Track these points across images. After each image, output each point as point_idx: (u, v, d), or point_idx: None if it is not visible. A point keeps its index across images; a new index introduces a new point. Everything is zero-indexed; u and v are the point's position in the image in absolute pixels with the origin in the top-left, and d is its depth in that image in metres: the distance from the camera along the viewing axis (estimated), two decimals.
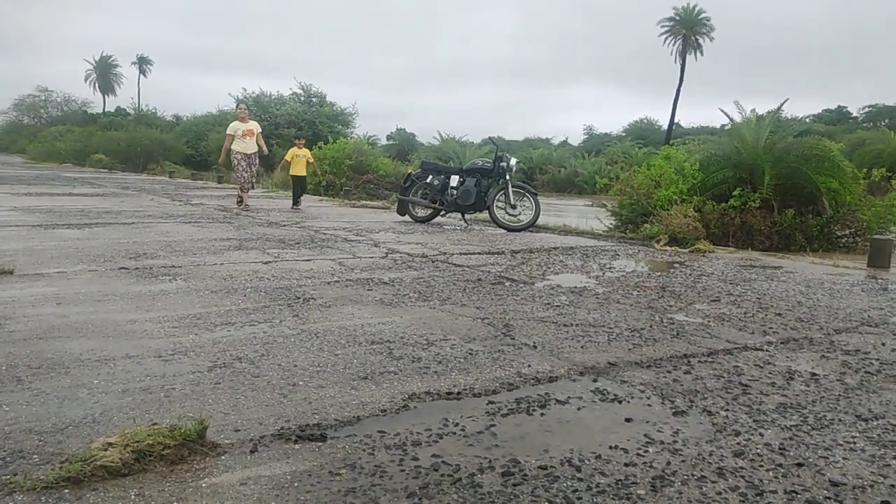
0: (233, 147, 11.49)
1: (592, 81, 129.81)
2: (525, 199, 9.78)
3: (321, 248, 6.69)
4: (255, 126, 11.74)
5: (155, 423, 2.04)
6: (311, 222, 9.59)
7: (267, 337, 3.28)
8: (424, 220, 10.27)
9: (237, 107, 14.01)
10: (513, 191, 9.61)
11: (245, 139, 11.44)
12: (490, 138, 11.52)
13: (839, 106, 60.36)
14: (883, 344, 3.57)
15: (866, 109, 57.99)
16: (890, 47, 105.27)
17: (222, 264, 5.44)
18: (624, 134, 59.24)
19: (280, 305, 4.00)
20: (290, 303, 4.09)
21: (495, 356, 3.09)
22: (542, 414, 2.40)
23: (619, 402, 2.55)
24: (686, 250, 7.70)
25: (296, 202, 12.50)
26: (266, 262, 5.63)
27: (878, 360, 3.24)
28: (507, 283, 5.09)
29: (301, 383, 2.61)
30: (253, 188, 12.06)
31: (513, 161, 9.81)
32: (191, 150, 39.26)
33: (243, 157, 11.52)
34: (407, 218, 10.47)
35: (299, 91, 32.40)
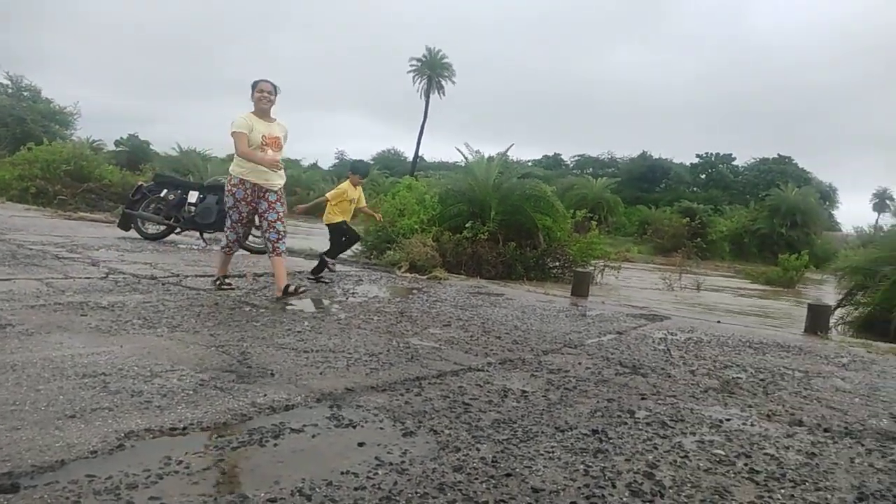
0: (235, 168, 5.54)
1: (349, 110, 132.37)
2: None
3: (25, 266, 5.79)
4: (283, 129, 5.75)
5: None
6: (13, 235, 8.25)
7: None
8: (156, 238, 9.48)
9: (255, 87, 5.55)
10: None
11: (267, 152, 5.53)
12: None
13: (555, 153, 69.57)
14: (580, 363, 4.15)
15: (576, 158, 67.61)
16: (596, 106, 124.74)
17: None
18: (373, 162, 61.34)
19: None
20: None
21: (228, 386, 2.95)
22: (275, 444, 2.34)
23: (354, 427, 2.60)
24: (424, 277, 8.17)
25: (323, 267, 7.30)
26: None
27: (575, 377, 3.75)
28: (248, 308, 4.91)
29: None
30: (279, 250, 5.62)
31: None
32: None
33: (248, 197, 5.58)
34: (134, 234, 9.56)
35: (6, 82, 27.86)
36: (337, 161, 69.05)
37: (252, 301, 5.24)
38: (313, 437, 2.46)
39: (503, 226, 11.33)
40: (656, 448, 2.64)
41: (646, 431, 2.85)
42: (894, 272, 9.21)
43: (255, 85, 5.57)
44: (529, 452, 2.45)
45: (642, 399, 3.41)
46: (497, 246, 10.94)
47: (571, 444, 2.60)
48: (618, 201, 41.03)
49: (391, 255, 9.40)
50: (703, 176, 63.18)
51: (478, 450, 2.44)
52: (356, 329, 4.51)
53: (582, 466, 2.36)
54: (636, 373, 4.02)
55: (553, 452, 2.48)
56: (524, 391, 3.34)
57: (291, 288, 5.46)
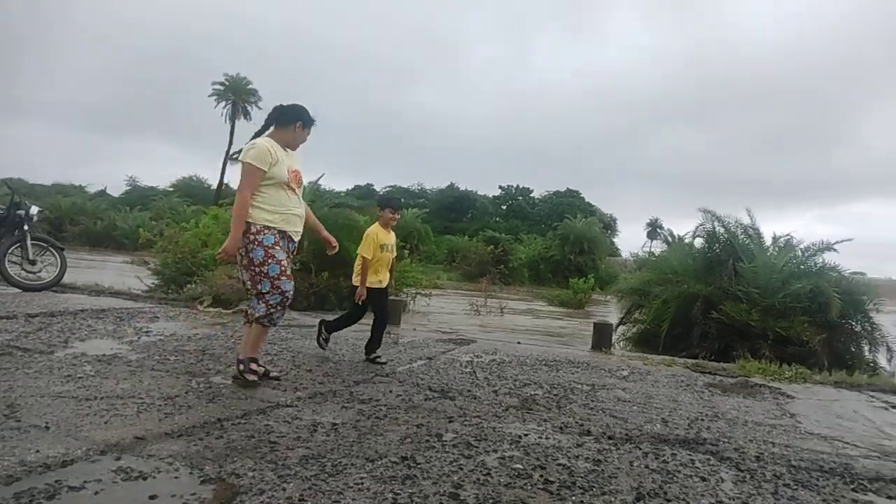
0: (261, 214, 4.03)
1: (142, 133, 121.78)
2: (48, 253, 8.53)
3: None
4: (298, 159, 4.39)
5: None
6: None
7: None
8: None
9: (296, 120, 4.19)
10: (32, 244, 8.28)
11: (294, 193, 4.21)
12: (5, 180, 9.75)
13: (367, 183, 70.37)
14: (391, 391, 4.18)
15: (387, 188, 68.78)
16: (405, 140, 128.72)
17: None
18: (172, 189, 57.64)
19: None
20: None
21: None
22: None
23: (145, 478, 2.38)
24: (230, 311, 7.76)
25: (371, 352, 5.26)
26: None
27: (386, 405, 3.77)
28: (18, 354, 4.32)
29: None
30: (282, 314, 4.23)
31: (34, 209, 8.48)
32: None
33: (280, 242, 4.11)
34: None
35: None
36: (129, 188, 63.69)
37: (24, 345, 4.62)
38: (96, 493, 2.21)
39: (316, 255, 11.15)
40: (461, 469, 2.74)
41: (452, 453, 2.95)
42: (664, 292, 10.47)
43: (297, 116, 4.17)
44: (338, 486, 2.42)
45: (450, 422, 3.52)
46: (309, 276, 10.73)
47: (381, 473, 2.60)
48: (428, 230, 42.36)
49: (192, 289, 8.81)
50: (504, 207, 67.52)
51: (283, 490, 2.35)
52: (149, 371, 4.16)
53: (391, 495, 2.37)
54: (445, 396, 4.15)
55: (362, 483, 2.47)
56: (334, 424, 3.29)
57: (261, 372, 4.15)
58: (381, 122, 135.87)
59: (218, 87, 57.09)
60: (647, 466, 3.01)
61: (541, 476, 2.73)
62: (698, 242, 11.35)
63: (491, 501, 2.39)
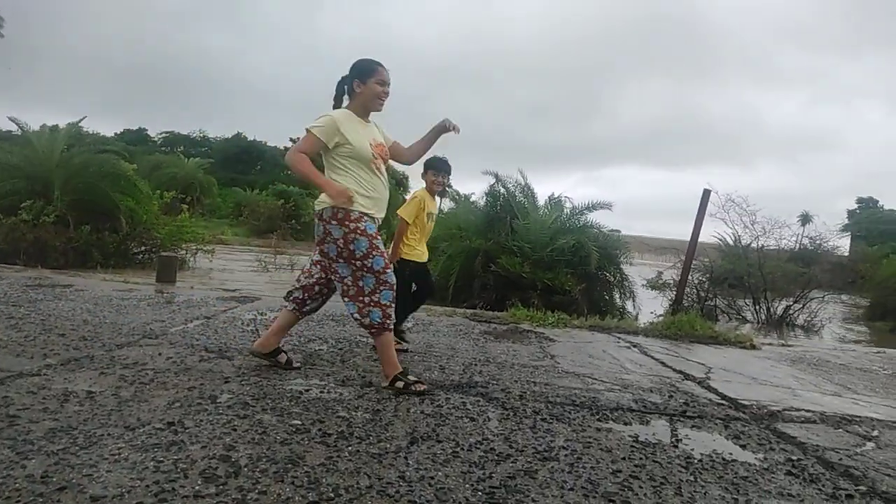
0: (355, 196, 3.46)
1: None
2: None
3: None
4: (381, 130, 3.78)
5: None
6: None
7: None
8: None
9: (369, 74, 3.54)
10: None
11: (380, 172, 3.61)
12: None
13: (140, 128, 63.81)
14: (160, 354, 3.88)
15: (164, 135, 63.17)
16: (186, 85, 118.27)
17: None
18: None
19: None
20: None
21: None
22: None
23: None
24: None
25: (399, 334, 4.59)
26: None
27: (153, 369, 3.49)
28: None
29: None
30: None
31: None
32: None
33: (367, 229, 3.48)
34: None
35: None
36: None
37: None
38: None
39: (74, 207, 9.93)
40: (236, 429, 2.63)
41: (226, 415, 2.82)
42: (450, 247, 10.97)
43: (368, 70, 3.56)
44: (91, 459, 2.19)
45: (226, 382, 3.37)
46: (67, 230, 9.55)
47: (143, 441, 2.41)
48: (212, 182, 39.80)
49: None
50: None
51: (24, 467, 2.08)
52: None
53: (152, 463, 2.20)
54: (222, 357, 3.96)
55: (120, 454, 2.26)
56: (90, 392, 2.97)
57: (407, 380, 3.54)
58: (157, 64, 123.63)
59: None
60: (422, 412, 3.15)
61: (319, 430, 2.72)
62: (483, 201, 12.01)
63: (265, 460, 2.33)
